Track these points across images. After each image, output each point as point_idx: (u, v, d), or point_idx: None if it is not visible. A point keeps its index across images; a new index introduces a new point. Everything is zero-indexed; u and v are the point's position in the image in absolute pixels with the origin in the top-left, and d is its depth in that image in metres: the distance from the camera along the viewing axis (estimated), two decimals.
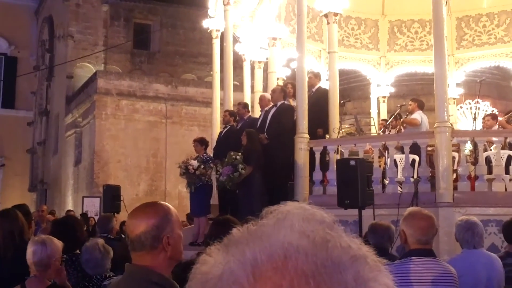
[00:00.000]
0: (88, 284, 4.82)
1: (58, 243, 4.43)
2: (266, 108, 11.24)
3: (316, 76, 11.57)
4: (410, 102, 11.49)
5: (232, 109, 12.60)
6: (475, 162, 9.66)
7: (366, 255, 0.72)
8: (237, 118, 11.91)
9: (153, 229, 2.53)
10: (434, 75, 9.39)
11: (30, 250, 4.25)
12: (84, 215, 15.84)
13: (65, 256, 5.33)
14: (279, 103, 10.86)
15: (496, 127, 11.36)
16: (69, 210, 17.66)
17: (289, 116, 10.70)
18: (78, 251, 5.64)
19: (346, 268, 0.69)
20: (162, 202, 2.74)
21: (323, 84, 11.99)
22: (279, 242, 0.70)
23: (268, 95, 11.65)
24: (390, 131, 11.67)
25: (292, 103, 11.15)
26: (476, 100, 13.43)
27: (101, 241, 5.10)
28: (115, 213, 11.90)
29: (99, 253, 4.79)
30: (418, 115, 11.03)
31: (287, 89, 11.31)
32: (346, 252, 0.71)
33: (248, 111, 12.19)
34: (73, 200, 24.13)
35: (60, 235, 5.45)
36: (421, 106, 11.27)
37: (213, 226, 4.75)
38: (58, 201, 26.02)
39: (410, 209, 4.19)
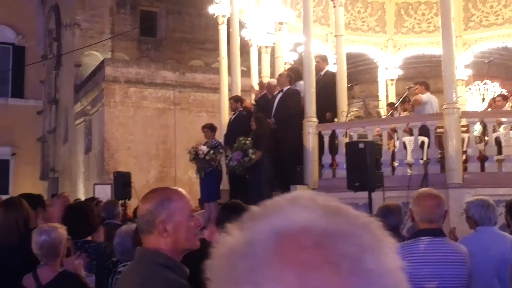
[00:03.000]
0: (112, 268, 4.85)
1: (62, 230, 4.47)
2: (273, 94, 11.26)
3: (323, 60, 11.56)
4: (416, 86, 11.47)
5: (239, 94, 12.62)
6: (484, 143, 9.66)
7: (376, 224, 0.77)
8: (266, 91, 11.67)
9: (147, 213, 2.53)
10: (442, 57, 9.37)
11: (35, 241, 4.29)
12: (91, 199, 15.96)
13: (78, 241, 5.42)
14: (285, 88, 10.87)
15: (506, 107, 11.34)
16: (77, 199, 17.75)
17: (296, 101, 10.71)
18: (89, 238, 5.71)
19: (358, 232, 0.73)
20: (171, 187, 2.70)
21: (331, 67, 11.98)
22: (295, 214, 0.74)
23: (273, 81, 11.65)
24: (399, 113, 11.67)
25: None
26: (484, 81, 13.39)
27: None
28: (126, 200, 12.03)
29: (130, 239, 4.80)
30: (426, 96, 11.01)
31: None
32: (357, 218, 0.76)
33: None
34: (84, 188, 24.28)
35: (73, 221, 5.52)
36: (427, 88, 11.25)
37: (221, 211, 4.77)
38: (69, 189, 26.15)
39: (420, 189, 4.23)
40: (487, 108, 11.68)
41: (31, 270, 4.34)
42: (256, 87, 12.53)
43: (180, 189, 2.66)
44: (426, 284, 3.73)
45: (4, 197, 6.60)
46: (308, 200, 0.78)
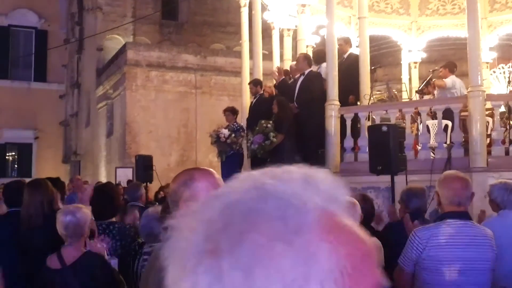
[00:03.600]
0: (138, 249, 4.88)
1: (87, 211, 4.50)
2: (295, 77, 11.19)
3: (346, 42, 11.42)
4: (440, 69, 11.30)
5: (261, 78, 12.56)
6: (509, 126, 9.51)
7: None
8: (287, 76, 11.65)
9: (172, 194, 2.54)
10: (467, 39, 9.21)
11: (60, 222, 4.31)
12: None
13: (103, 222, 5.45)
14: (306, 71, 10.78)
15: None
16: (98, 182, 17.91)
17: (318, 84, 10.61)
18: (114, 219, 5.74)
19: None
20: (199, 168, 2.69)
21: (354, 50, 11.86)
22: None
23: (294, 64, 11.56)
24: (422, 96, 11.51)
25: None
26: (509, 64, 13.16)
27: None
28: (148, 183, 12.07)
29: (157, 222, 4.81)
30: (450, 80, 10.84)
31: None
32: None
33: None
34: (106, 171, 24.46)
35: (100, 201, 5.56)
36: (452, 70, 11.07)
37: None
38: (91, 172, 26.40)
39: (446, 172, 4.16)
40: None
41: (55, 251, 4.37)
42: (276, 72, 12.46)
43: (208, 169, 2.61)
44: (453, 266, 3.69)
45: (28, 180, 6.67)
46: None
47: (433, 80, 11.14)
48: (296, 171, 0.77)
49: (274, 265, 0.65)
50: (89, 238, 4.60)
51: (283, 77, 11.57)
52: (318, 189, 0.73)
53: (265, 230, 0.66)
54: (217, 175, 2.56)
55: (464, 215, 3.82)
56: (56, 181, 6.42)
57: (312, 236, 0.67)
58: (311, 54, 13.11)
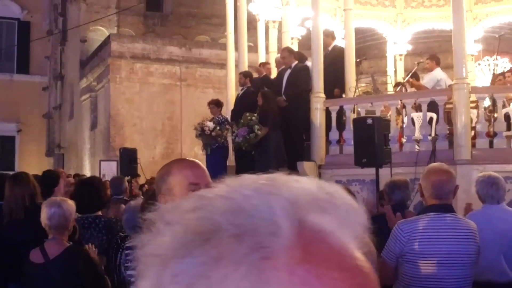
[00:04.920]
0: (120, 243, 4.83)
1: (72, 203, 4.45)
2: (280, 70, 11.17)
3: (327, 36, 11.36)
4: (426, 61, 11.32)
5: (247, 70, 12.51)
6: (493, 119, 9.55)
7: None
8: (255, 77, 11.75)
9: (155, 187, 2.58)
10: (452, 31, 9.23)
11: (45, 213, 4.26)
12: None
13: (89, 216, 5.40)
14: (293, 65, 10.75)
15: None
16: (83, 175, 17.78)
17: (306, 77, 10.59)
18: (100, 213, 5.69)
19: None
20: (180, 159, 2.67)
21: (339, 42, 11.84)
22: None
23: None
24: (406, 89, 11.52)
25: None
26: (494, 56, 13.21)
27: None
28: (131, 176, 11.99)
29: (140, 214, 4.77)
30: (437, 73, 10.85)
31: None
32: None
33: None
34: (90, 164, 24.32)
35: (84, 195, 5.50)
36: (438, 62, 11.11)
37: None
38: (75, 165, 26.23)
39: (431, 164, 4.15)
40: (491, 83, 11.53)
41: (37, 246, 4.32)
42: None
43: (191, 161, 2.59)
44: (436, 260, 3.68)
45: (11, 173, 6.58)
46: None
47: (411, 79, 11.14)
48: (295, 182, 0.66)
49: (217, 286, 0.58)
50: (72, 235, 4.54)
51: (264, 73, 11.61)
52: (318, 211, 0.63)
53: (218, 247, 0.59)
54: (201, 167, 2.52)
55: (448, 208, 3.81)
56: (50, 174, 6.32)
57: (273, 262, 0.58)
58: (296, 46, 13.10)
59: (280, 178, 0.67)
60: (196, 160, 2.60)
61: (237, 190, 0.64)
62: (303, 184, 0.66)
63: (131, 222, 4.75)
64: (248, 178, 0.67)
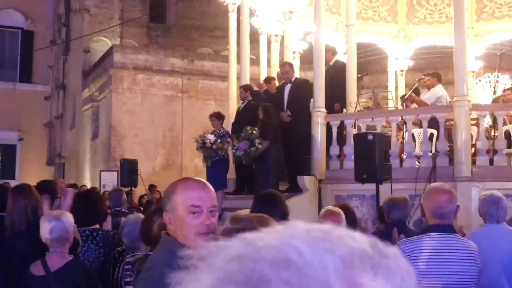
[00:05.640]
0: (118, 257, 4.84)
1: (70, 215, 4.47)
2: (278, 85, 11.26)
3: (328, 51, 11.36)
4: (428, 77, 11.34)
5: (248, 83, 12.56)
6: (494, 137, 9.58)
7: None
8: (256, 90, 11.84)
9: (163, 202, 2.61)
10: (454, 48, 9.27)
11: (46, 227, 4.27)
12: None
13: (86, 229, 5.41)
14: (293, 79, 10.79)
15: None
16: (83, 185, 17.81)
17: (309, 91, 10.61)
18: (97, 226, 5.69)
19: None
20: (187, 178, 2.68)
21: (341, 57, 11.89)
22: None
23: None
24: (405, 104, 11.56)
25: None
26: (495, 73, 13.27)
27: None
28: (132, 187, 12.01)
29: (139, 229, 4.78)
30: (438, 89, 10.87)
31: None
32: None
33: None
34: (90, 174, 24.31)
35: (82, 208, 5.51)
36: (439, 79, 11.14)
37: (258, 201, 4.59)
38: (75, 175, 26.23)
39: (432, 184, 4.17)
40: (494, 100, 11.57)
41: (38, 258, 4.33)
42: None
43: (195, 181, 2.58)
44: (436, 280, 3.68)
45: (11, 182, 6.58)
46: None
47: (412, 96, 11.18)
48: (349, 238, 0.64)
49: None
50: (74, 248, 4.56)
51: (265, 88, 11.70)
52: (372, 272, 0.61)
53: None
54: (207, 189, 2.51)
55: (448, 228, 3.82)
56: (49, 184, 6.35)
57: None
58: (298, 60, 13.19)
59: (335, 232, 0.65)
60: (204, 181, 2.59)
61: (290, 242, 0.61)
62: (358, 241, 0.64)
63: (130, 237, 4.77)
64: (301, 228, 0.64)
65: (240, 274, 0.59)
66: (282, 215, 3.91)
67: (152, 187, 15.95)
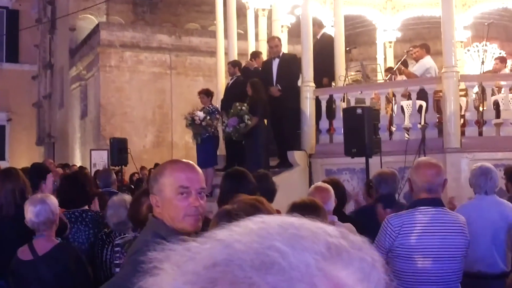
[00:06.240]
0: (106, 239, 4.82)
1: (54, 198, 4.44)
2: (265, 60, 11.18)
3: (314, 25, 11.23)
4: (416, 49, 11.28)
5: (236, 58, 12.47)
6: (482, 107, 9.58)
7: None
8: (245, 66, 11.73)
9: (148, 185, 2.59)
10: (441, 19, 9.21)
11: (32, 210, 4.23)
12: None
13: (75, 211, 5.38)
14: (281, 54, 10.72)
15: (505, 70, 11.22)
16: (73, 165, 17.74)
17: (298, 65, 10.55)
18: (87, 207, 5.66)
19: None
20: (176, 160, 2.65)
21: (328, 30, 11.80)
22: None
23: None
24: (396, 77, 11.52)
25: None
26: (483, 42, 13.23)
27: (128, 197, 5.02)
28: (123, 166, 11.98)
29: (125, 209, 4.76)
30: (426, 61, 10.83)
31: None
32: None
33: None
34: (80, 153, 24.24)
35: (69, 190, 5.47)
36: (428, 50, 11.08)
37: (226, 180, 4.58)
38: (66, 154, 26.14)
39: (419, 159, 4.17)
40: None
41: (26, 242, 4.30)
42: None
43: (183, 162, 2.55)
44: (426, 254, 3.70)
45: (1, 163, 6.52)
46: None
47: (402, 69, 11.13)
48: (323, 233, 0.63)
49: None
50: (62, 230, 4.53)
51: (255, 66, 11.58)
52: (348, 265, 0.61)
53: None
54: (195, 170, 2.49)
55: (437, 202, 3.82)
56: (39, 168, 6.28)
57: None
58: (286, 34, 13.09)
59: (307, 226, 0.64)
60: (192, 163, 2.56)
61: (271, 244, 0.60)
62: (331, 234, 0.63)
63: (116, 218, 4.76)
64: (274, 225, 0.63)
65: (223, 281, 0.57)
66: (251, 191, 3.89)
67: (142, 168, 15.94)
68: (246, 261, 0.58)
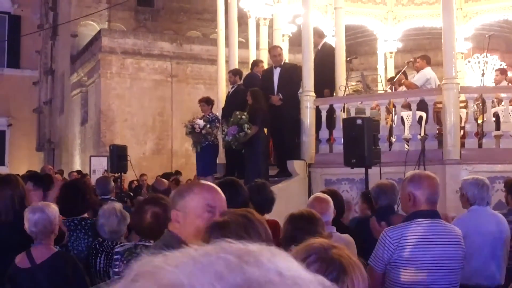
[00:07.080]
0: (99, 248, 4.81)
1: (55, 207, 4.43)
2: (267, 69, 11.20)
3: (314, 35, 11.25)
4: (417, 60, 11.30)
5: (237, 67, 12.48)
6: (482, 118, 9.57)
7: None
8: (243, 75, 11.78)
9: (170, 200, 2.70)
10: (442, 30, 9.23)
11: (30, 219, 4.23)
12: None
13: (75, 218, 5.37)
14: (282, 63, 10.73)
15: (505, 82, 11.23)
16: (72, 172, 17.72)
17: (299, 75, 10.55)
18: (86, 215, 5.65)
19: None
20: (202, 184, 2.75)
21: (329, 40, 11.82)
22: None
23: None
24: (396, 88, 11.53)
25: None
26: (484, 54, 13.25)
27: (118, 206, 5.04)
28: (122, 173, 11.98)
29: (116, 218, 4.75)
30: (427, 72, 10.84)
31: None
32: None
33: None
34: (80, 160, 24.23)
35: (69, 198, 5.46)
36: (428, 62, 11.10)
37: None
38: (65, 160, 26.14)
39: (413, 171, 4.16)
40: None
41: (26, 249, 4.29)
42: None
43: (210, 185, 2.67)
44: (423, 266, 3.69)
45: (1, 168, 6.52)
46: None
47: (402, 80, 11.15)
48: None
49: None
50: (60, 238, 4.52)
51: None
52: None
53: None
54: (221, 193, 2.60)
55: (434, 214, 3.82)
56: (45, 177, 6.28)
57: None
58: (287, 43, 13.11)
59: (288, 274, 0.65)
60: (217, 187, 2.67)
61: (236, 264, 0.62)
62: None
63: (108, 227, 4.76)
64: (223, 249, 0.66)
65: None
66: (240, 204, 3.90)
67: (142, 176, 15.94)
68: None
